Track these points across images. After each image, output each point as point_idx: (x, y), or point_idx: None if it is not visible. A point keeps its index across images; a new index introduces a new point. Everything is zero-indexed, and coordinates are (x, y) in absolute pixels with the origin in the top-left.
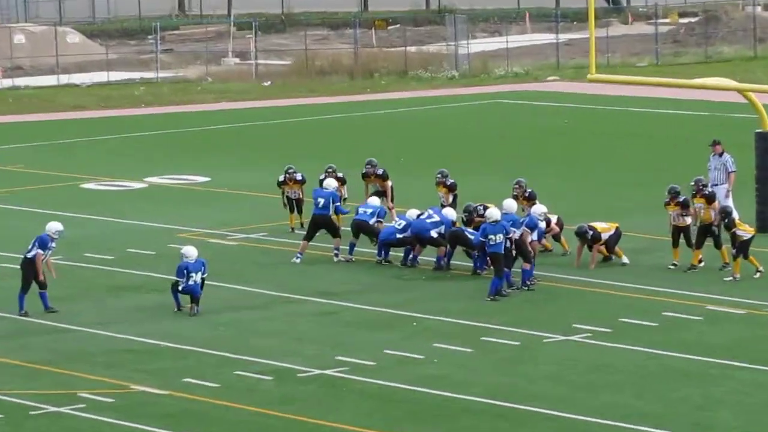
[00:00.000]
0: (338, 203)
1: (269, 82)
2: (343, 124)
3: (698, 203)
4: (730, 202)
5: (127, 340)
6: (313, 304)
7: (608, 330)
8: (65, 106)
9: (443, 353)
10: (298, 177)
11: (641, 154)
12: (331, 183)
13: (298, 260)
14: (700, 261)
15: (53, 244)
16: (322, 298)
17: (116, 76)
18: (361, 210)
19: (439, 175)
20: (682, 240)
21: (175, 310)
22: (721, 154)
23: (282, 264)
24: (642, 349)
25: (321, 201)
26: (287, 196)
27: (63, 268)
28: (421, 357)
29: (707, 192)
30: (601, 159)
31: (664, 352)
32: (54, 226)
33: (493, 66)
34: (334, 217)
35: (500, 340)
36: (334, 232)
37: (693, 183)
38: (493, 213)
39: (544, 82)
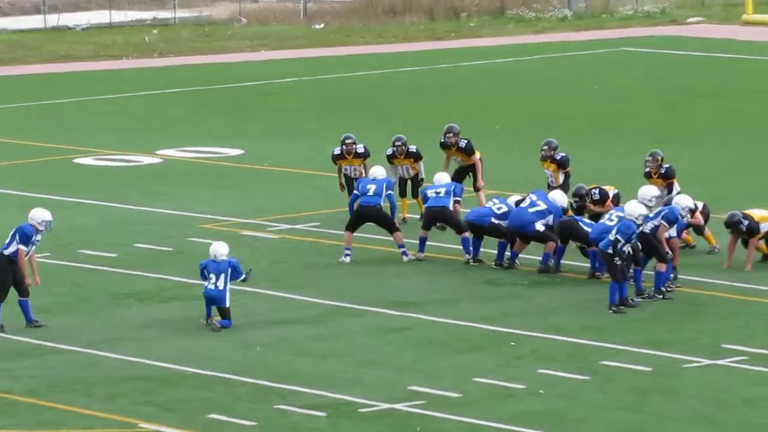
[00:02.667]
0: (391, 191)
1: (322, 25)
2: (419, 80)
3: None
4: None
5: (135, 364)
6: (380, 317)
7: None
8: (54, 56)
9: (551, 382)
10: (360, 149)
11: None
12: (378, 172)
13: (347, 258)
14: None
15: (38, 237)
16: (392, 310)
17: (121, 16)
18: (430, 193)
19: (546, 147)
20: None
21: (203, 321)
22: None
23: (339, 265)
24: None
25: (371, 188)
26: (345, 175)
27: (51, 269)
28: (522, 387)
29: None
30: (760, 127)
31: None
32: (40, 215)
33: (617, 3)
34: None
35: (626, 365)
36: (390, 226)
37: None
38: (636, 208)
39: (685, 25)
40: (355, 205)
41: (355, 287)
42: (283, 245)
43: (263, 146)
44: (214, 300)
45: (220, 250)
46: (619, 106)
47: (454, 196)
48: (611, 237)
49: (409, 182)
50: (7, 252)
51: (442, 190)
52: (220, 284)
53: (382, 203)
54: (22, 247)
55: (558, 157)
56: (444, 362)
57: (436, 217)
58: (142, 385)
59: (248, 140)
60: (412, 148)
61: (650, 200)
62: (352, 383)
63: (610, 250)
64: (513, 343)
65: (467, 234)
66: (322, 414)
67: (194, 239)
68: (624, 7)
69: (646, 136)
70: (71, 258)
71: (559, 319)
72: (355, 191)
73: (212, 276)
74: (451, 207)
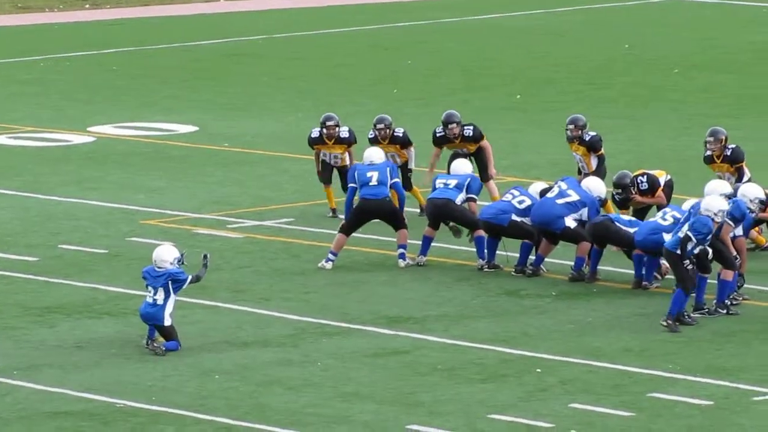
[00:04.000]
0: (397, 179)
1: None
2: (420, 37)
3: None
4: None
5: (59, 397)
6: (370, 337)
7: None
8: None
9: (586, 419)
10: (343, 134)
11: None
12: (376, 154)
13: (329, 264)
14: None
15: None
16: (385, 328)
17: None
18: (438, 182)
19: (572, 126)
20: None
21: (144, 343)
22: None
23: (318, 271)
24: None
25: (373, 176)
26: (323, 161)
27: None
28: (550, 426)
29: None
30: None
31: None
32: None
33: None
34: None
35: (680, 398)
36: (398, 222)
37: None
38: (715, 203)
39: None
40: (356, 200)
41: (336, 300)
42: (248, 246)
43: (222, 122)
44: (148, 318)
45: (162, 255)
46: (673, 72)
47: (469, 191)
48: (681, 234)
49: (338, 171)
50: None
51: (453, 182)
52: (159, 298)
53: (389, 194)
54: None
55: (587, 138)
56: (451, 394)
57: (439, 212)
58: (70, 423)
59: (203, 114)
60: (398, 131)
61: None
62: (334, 421)
63: (679, 251)
64: (539, 370)
65: (481, 232)
66: None
67: (135, 239)
68: None
69: (703, 108)
70: None
71: (596, 339)
72: (351, 184)
73: (150, 289)
74: (456, 201)
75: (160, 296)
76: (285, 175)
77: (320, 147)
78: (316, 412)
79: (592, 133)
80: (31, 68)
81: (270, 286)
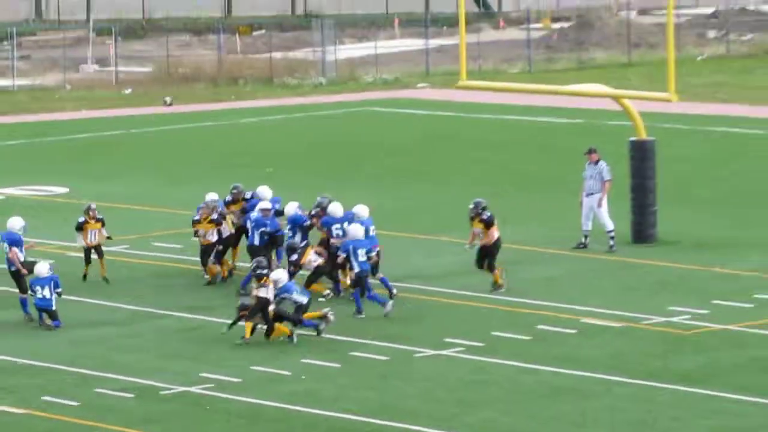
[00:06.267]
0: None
1: (130, 90)
2: (207, 133)
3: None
4: (604, 212)
5: None
6: (177, 319)
7: (481, 344)
8: None
9: (311, 369)
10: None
11: (514, 163)
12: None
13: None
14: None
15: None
16: (188, 313)
17: None
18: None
19: (473, 207)
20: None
21: (36, 323)
22: (596, 162)
23: (147, 277)
24: (515, 363)
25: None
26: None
27: None
28: (288, 373)
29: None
30: (465, 169)
31: (538, 367)
32: (16, 222)
33: (361, 72)
34: None
35: (369, 355)
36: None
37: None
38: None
39: (414, 89)
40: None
41: (154, 295)
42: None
43: (85, 185)
44: (45, 306)
45: (42, 270)
46: (376, 151)
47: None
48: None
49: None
50: None
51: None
52: (47, 294)
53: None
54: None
55: (485, 217)
56: (228, 354)
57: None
58: None
59: (73, 180)
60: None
61: None
62: (155, 371)
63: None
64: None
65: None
66: (131, 395)
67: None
68: (366, 75)
69: (387, 178)
70: None
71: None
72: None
73: (38, 288)
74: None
75: (47, 292)
76: (124, 218)
77: (87, 227)
78: (143, 366)
79: (489, 213)
80: None
81: (115, 287)
